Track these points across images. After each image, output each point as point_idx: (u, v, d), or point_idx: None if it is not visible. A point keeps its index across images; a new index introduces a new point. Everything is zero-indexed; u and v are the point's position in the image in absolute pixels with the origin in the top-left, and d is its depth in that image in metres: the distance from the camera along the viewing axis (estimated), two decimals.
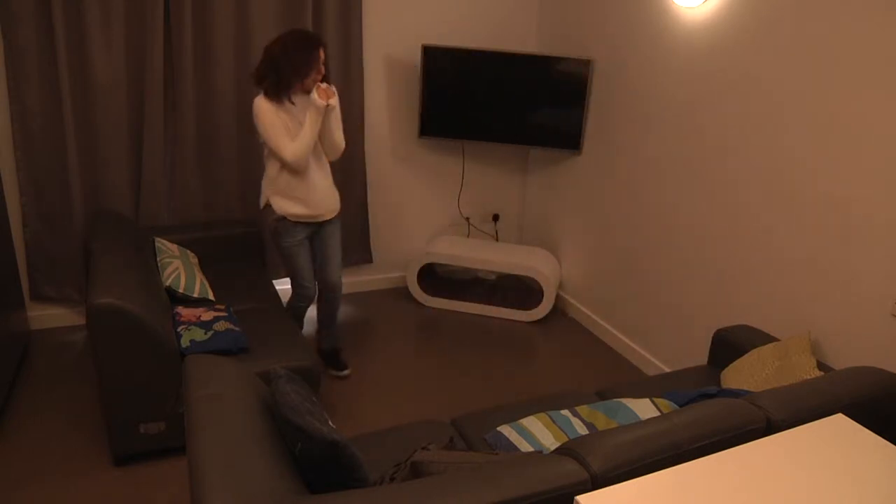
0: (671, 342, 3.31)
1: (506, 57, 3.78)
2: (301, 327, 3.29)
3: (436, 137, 3.98)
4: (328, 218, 3.00)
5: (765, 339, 2.57)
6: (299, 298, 3.11)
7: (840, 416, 1.66)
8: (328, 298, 3.15)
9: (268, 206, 2.91)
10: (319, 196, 2.90)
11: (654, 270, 3.39)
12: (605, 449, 1.51)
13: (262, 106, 2.70)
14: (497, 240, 4.54)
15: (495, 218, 4.51)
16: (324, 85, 2.71)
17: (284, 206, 2.87)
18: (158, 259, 3.04)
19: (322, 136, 2.84)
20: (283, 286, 4.01)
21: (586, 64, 3.70)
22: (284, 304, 3.20)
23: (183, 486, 2.46)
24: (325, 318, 3.23)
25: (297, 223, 2.92)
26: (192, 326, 2.62)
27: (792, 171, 2.61)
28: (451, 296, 4.12)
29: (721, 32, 2.87)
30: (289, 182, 2.83)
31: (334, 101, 2.74)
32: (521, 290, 4.26)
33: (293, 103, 2.76)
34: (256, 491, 1.32)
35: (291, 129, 2.75)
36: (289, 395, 1.56)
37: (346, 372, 3.27)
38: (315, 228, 3.01)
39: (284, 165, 2.79)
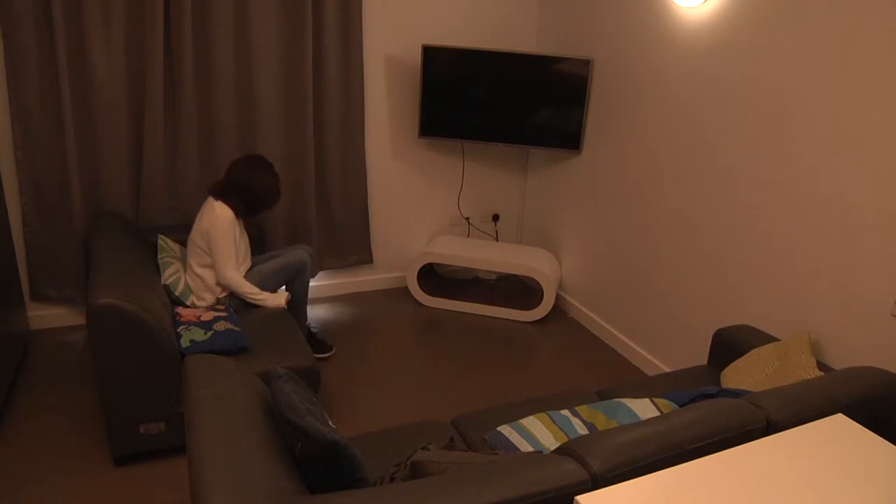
0: (671, 342, 3.31)
1: (506, 57, 3.78)
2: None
3: (436, 137, 3.98)
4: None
5: (765, 339, 2.57)
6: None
7: (840, 416, 1.66)
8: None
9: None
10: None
11: (654, 270, 3.39)
12: (605, 449, 1.51)
13: (228, 218, 2.88)
14: (497, 240, 4.54)
15: (495, 218, 4.51)
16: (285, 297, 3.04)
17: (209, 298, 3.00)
18: (159, 257, 3.04)
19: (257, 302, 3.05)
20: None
21: (586, 64, 3.70)
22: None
23: (183, 486, 2.46)
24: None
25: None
26: (192, 326, 2.62)
27: (792, 171, 2.61)
28: (451, 296, 4.12)
29: (721, 32, 2.87)
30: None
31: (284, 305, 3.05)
32: (521, 290, 4.25)
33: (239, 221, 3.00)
34: (256, 491, 1.32)
35: (240, 248, 3.01)
36: (289, 395, 1.56)
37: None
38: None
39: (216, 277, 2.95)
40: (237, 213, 2.94)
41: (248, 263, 3.10)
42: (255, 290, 3.00)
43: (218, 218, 2.85)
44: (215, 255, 2.87)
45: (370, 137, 3.96)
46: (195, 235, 2.93)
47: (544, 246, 4.36)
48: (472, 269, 4.21)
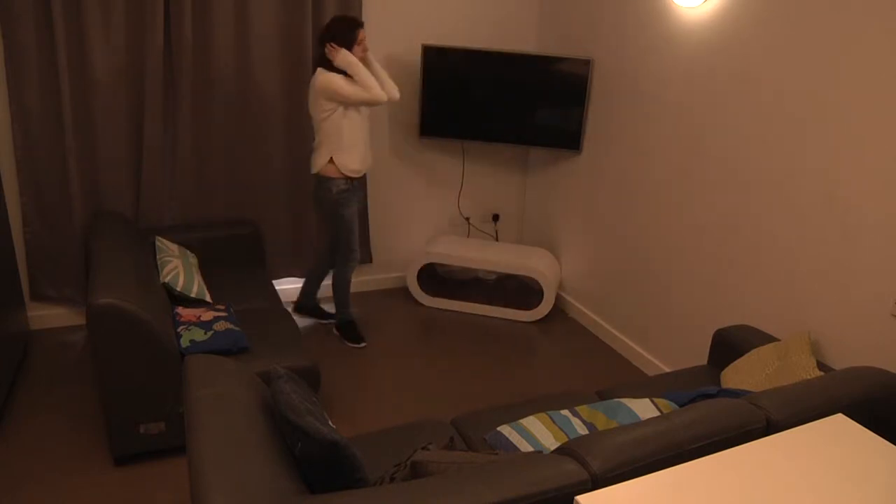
0: (671, 342, 3.31)
1: (506, 57, 3.78)
2: (350, 302, 3.57)
3: (436, 137, 3.98)
4: (365, 171, 3.38)
5: (765, 339, 2.57)
6: (350, 263, 3.43)
7: (840, 416, 1.66)
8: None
9: (326, 178, 3.22)
10: (367, 150, 3.33)
11: (654, 270, 3.39)
12: (605, 449, 1.51)
13: (333, 78, 3.07)
14: (497, 240, 4.54)
15: (495, 218, 4.51)
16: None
17: (346, 161, 3.20)
18: (158, 258, 3.04)
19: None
20: (283, 286, 4.01)
21: (586, 64, 3.70)
22: (299, 296, 3.62)
23: (183, 486, 2.46)
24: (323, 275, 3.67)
25: (350, 188, 3.27)
26: (192, 326, 2.62)
27: (792, 171, 2.61)
28: (451, 296, 4.12)
29: (721, 32, 2.87)
30: (350, 137, 3.19)
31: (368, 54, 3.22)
32: (521, 290, 4.25)
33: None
34: (256, 491, 1.32)
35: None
36: (289, 395, 1.56)
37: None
38: (362, 194, 3.51)
39: (347, 120, 3.15)
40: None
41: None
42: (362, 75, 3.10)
43: (325, 79, 3.06)
44: (358, 96, 3.08)
45: (370, 137, 3.95)
46: (313, 112, 3.18)
47: (544, 246, 4.36)
48: (472, 269, 4.21)
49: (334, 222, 3.35)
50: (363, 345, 3.57)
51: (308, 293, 3.74)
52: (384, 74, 3.29)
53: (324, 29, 3.10)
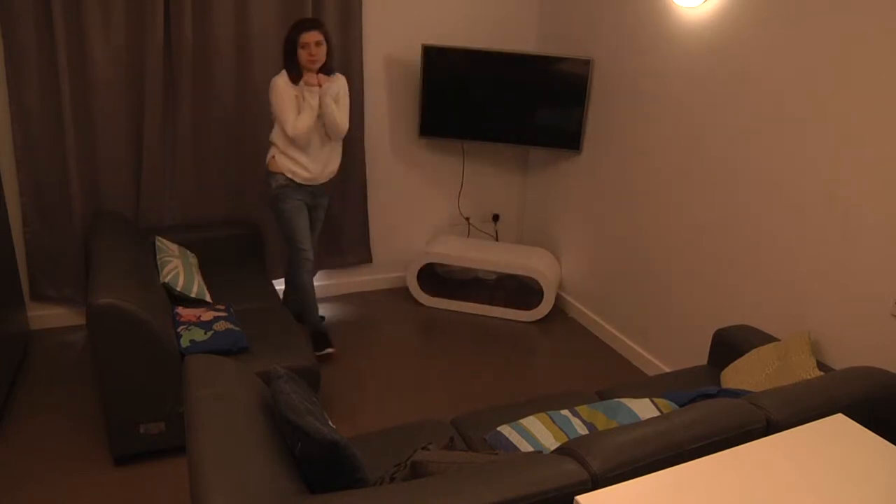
0: (671, 342, 3.31)
1: (506, 57, 3.78)
2: (315, 307, 3.38)
3: (436, 137, 3.98)
4: (322, 182, 3.26)
5: (765, 339, 2.57)
6: (300, 264, 3.26)
7: (840, 416, 1.66)
8: (303, 274, 3.33)
9: (269, 172, 3.17)
10: (319, 165, 3.18)
11: (654, 270, 3.39)
12: (605, 449, 1.51)
13: (277, 82, 2.99)
14: (497, 240, 4.54)
15: (495, 218, 4.51)
16: (315, 75, 2.98)
17: (287, 163, 3.12)
18: (158, 258, 3.04)
19: (321, 116, 3.07)
20: (283, 286, 4.01)
21: (586, 64, 3.70)
22: (281, 298, 3.37)
23: (183, 486, 2.46)
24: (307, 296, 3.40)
25: (290, 185, 3.15)
26: (192, 326, 2.62)
27: (792, 171, 2.61)
28: (451, 296, 4.12)
29: (721, 32, 2.87)
30: (290, 149, 3.10)
31: (325, 85, 2.99)
32: (521, 290, 4.25)
33: (299, 84, 3.02)
34: (256, 491, 1.32)
35: (303, 109, 3.01)
36: (289, 395, 1.56)
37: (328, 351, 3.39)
38: (311, 197, 3.27)
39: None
40: (289, 75, 3.01)
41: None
42: (303, 109, 3.01)
43: (271, 85, 3.01)
44: (276, 117, 3.04)
45: (370, 137, 3.96)
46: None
47: (544, 246, 4.36)
48: (472, 269, 4.20)
49: (276, 218, 3.28)
50: (328, 351, 3.36)
51: (288, 298, 3.68)
52: (332, 106, 3.05)
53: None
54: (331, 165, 3.25)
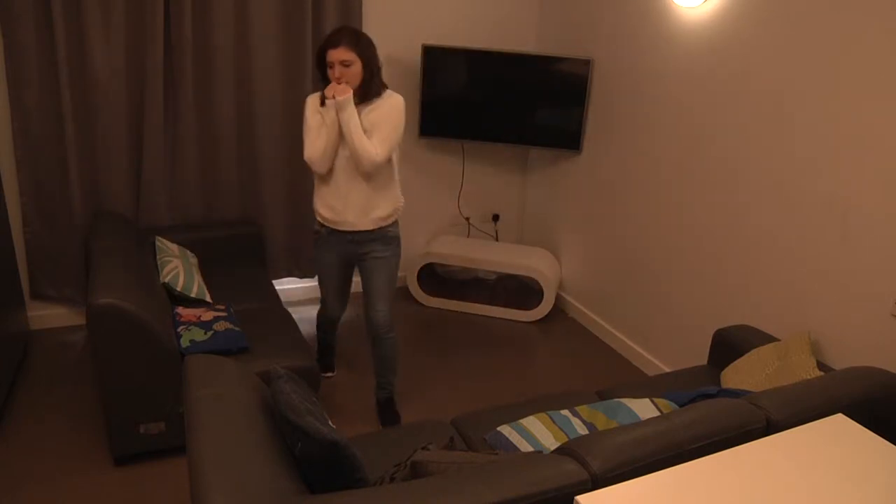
0: (671, 342, 3.31)
1: (506, 57, 3.78)
2: (331, 348, 3.20)
3: (436, 137, 3.98)
4: (363, 229, 2.66)
5: (765, 339, 2.57)
6: (321, 314, 3.04)
7: (840, 416, 1.66)
8: (372, 339, 2.82)
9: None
10: (348, 204, 2.62)
11: (654, 270, 3.39)
12: (605, 449, 1.51)
13: (307, 100, 2.61)
14: (497, 240, 4.54)
15: (495, 218, 4.51)
16: (332, 86, 2.47)
17: (315, 201, 2.71)
18: (158, 258, 3.04)
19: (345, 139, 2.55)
20: (283, 286, 4.01)
21: (586, 64, 3.70)
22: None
23: (183, 486, 2.46)
24: (375, 361, 2.87)
25: (321, 230, 2.73)
26: (192, 326, 2.62)
27: (792, 171, 2.61)
28: (451, 296, 4.12)
29: (721, 32, 2.87)
30: (320, 176, 2.65)
31: (340, 98, 2.43)
32: (521, 290, 4.25)
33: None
34: (256, 491, 1.32)
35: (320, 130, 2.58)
36: (289, 395, 1.56)
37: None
38: (353, 246, 2.72)
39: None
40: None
41: None
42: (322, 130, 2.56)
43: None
44: (307, 125, 2.59)
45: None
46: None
47: (544, 246, 4.36)
48: (472, 269, 4.20)
49: None
50: (329, 375, 3.26)
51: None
52: (351, 126, 2.46)
53: None
54: (373, 208, 2.62)
